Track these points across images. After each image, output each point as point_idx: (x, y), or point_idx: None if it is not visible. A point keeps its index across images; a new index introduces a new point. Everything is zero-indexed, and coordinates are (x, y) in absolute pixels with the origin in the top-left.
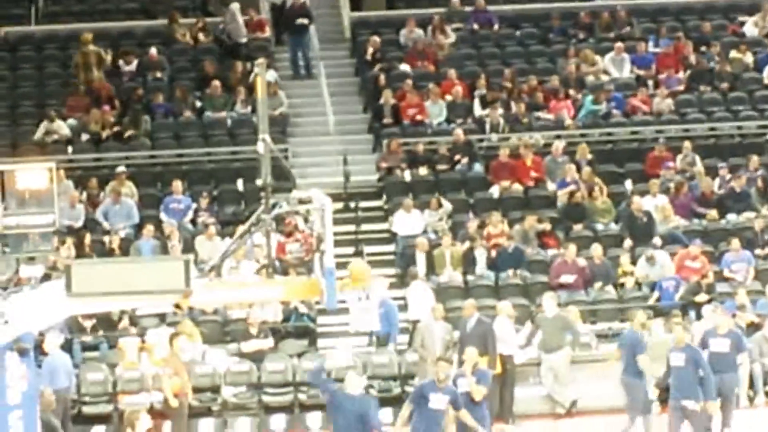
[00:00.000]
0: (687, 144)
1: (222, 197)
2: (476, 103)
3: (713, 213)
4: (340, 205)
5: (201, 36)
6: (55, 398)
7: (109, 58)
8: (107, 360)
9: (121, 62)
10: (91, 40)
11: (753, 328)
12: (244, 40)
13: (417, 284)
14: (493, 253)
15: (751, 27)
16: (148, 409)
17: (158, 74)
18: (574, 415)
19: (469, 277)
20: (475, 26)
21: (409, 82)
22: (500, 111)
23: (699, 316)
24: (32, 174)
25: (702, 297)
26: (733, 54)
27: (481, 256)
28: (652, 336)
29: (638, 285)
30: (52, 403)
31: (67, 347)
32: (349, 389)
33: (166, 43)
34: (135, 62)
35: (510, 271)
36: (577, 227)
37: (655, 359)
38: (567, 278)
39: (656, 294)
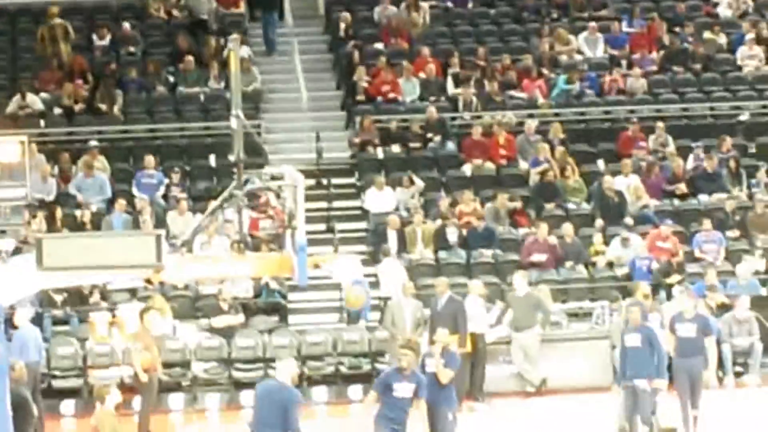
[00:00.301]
0: (660, 124)
1: (194, 173)
2: (449, 81)
3: (682, 186)
4: (312, 181)
5: (175, 11)
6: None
7: (71, 31)
8: (77, 334)
9: (94, 36)
10: (57, 13)
11: (723, 308)
12: (205, 16)
13: (389, 261)
14: (465, 231)
15: (724, 8)
16: (118, 383)
17: (131, 49)
18: (544, 393)
19: (441, 255)
20: (450, 4)
21: (383, 59)
22: (473, 89)
23: (669, 297)
24: (4, 147)
25: (673, 278)
26: (707, 35)
27: (452, 234)
28: (621, 316)
29: (610, 264)
30: (24, 376)
31: (37, 321)
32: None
33: (140, 18)
34: (108, 36)
35: (481, 250)
36: (549, 206)
37: None
38: (538, 257)
39: (626, 269)
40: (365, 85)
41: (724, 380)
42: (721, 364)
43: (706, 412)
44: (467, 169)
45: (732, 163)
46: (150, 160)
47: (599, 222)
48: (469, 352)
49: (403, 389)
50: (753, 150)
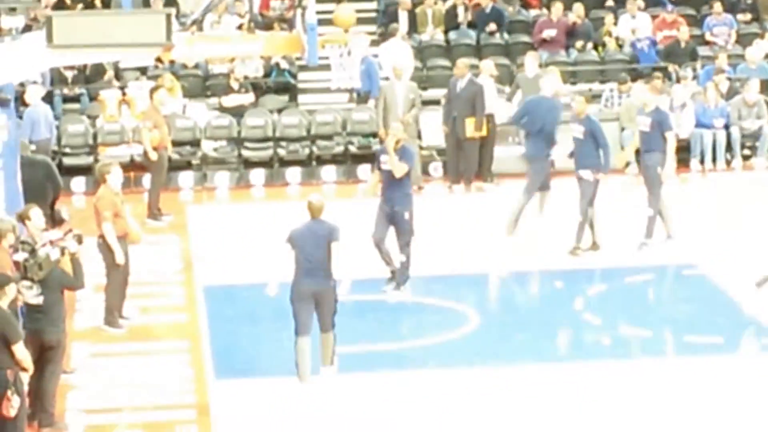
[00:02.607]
0: None
1: None
2: None
3: None
4: None
5: None
6: (36, 149)
7: None
8: (88, 112)
9: None
10: None
11: (733, 92)
12: None
13: (395, 42)
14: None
15: None
16: (128, 161)
17: None
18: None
19: (451, 36)
20: None
21: None
22: None
23: (678, 79)
24: None
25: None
26: None
27: (463, 14)
28: (632, 98)
29: (619, 47)
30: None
31: (47, 99)
32: None
33: None
34: None
35: (491, 31)
36: None
37: (632, 120)
38: (549, 32)
39: (634, 51)
40: None
41: (732, 163)
42: (729, 147)
43: (709, 193)
44: None
45: None
46: None
47: (610, 2)
48: (482, 135)
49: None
50: None
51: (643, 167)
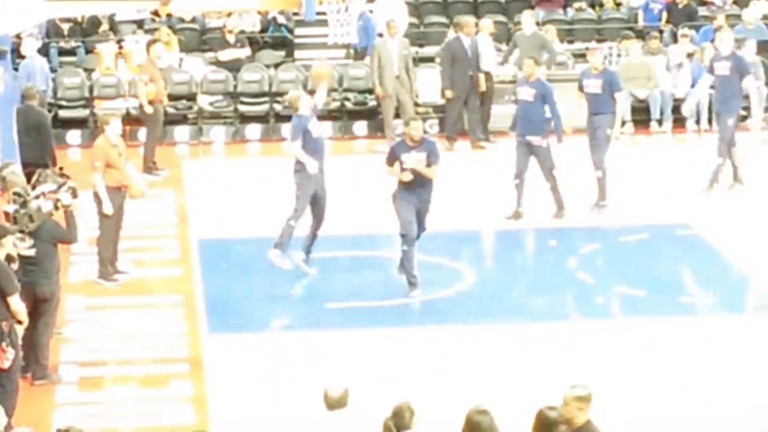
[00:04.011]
0: None
1: None
2: None
3: None
4: None
5: None
6: None
7: None
8: (84, 65)
9: None
10: None
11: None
12: None
13: None
14: None
15: None
16: (123, 114)
17: None
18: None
19: None
20: None
21: None
22: None
23: (675, 40)
24: None
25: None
26: None
27: None
28: (630, 57)
29: (617, 5)
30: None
31: (43, 51)
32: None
33: None
34: None
35: None
36: None
37: (628, 80)
38: None
39: (633, 11)
40: None
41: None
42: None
43: (704, 152)
44: None
45: None
46: None
47: None
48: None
49: (411, 160)
50: None
51: (592, 129)
